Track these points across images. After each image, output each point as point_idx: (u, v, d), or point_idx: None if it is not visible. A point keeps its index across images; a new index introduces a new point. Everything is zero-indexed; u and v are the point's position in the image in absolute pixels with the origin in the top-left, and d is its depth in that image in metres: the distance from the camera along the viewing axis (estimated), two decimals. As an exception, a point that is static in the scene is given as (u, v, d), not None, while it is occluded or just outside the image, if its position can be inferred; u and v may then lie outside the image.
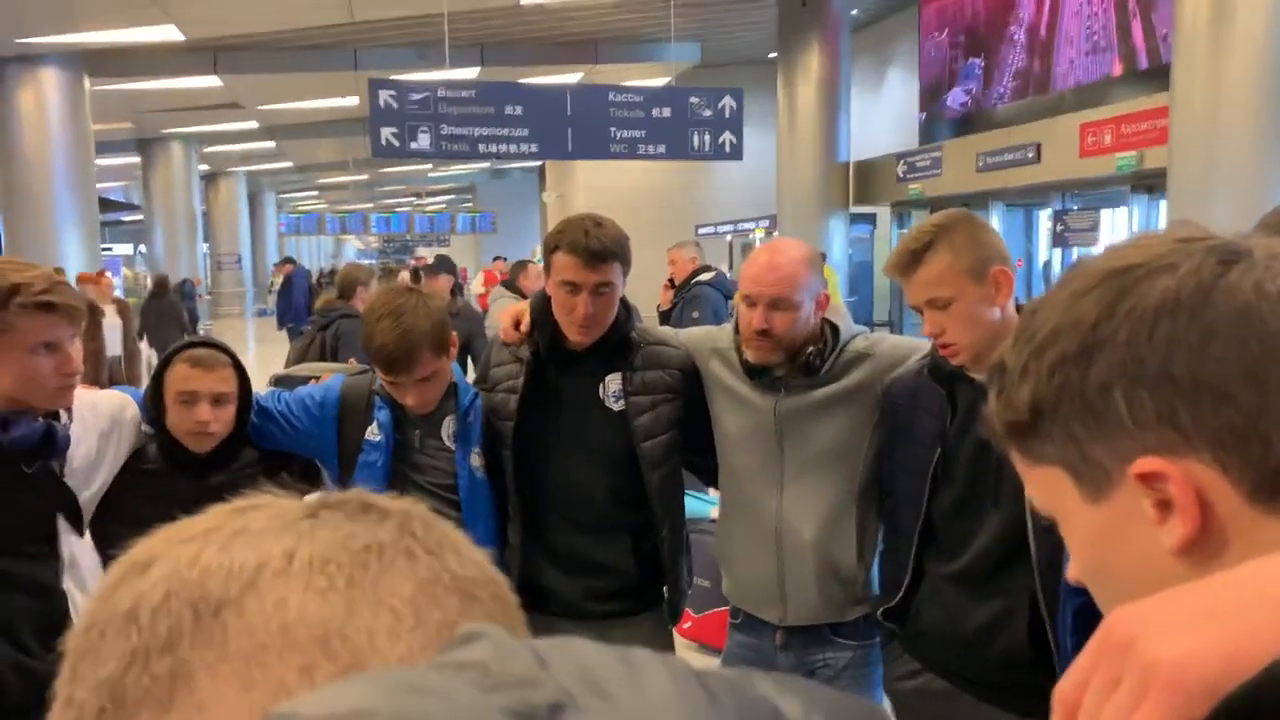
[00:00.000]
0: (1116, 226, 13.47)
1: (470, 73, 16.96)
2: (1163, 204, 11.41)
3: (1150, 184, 12.15)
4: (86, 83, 15.61)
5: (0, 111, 15.05)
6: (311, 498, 0.48)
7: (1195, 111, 9.11)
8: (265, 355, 16.87)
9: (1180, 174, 9.37)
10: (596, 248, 2.09)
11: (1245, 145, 8.75)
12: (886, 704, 2.16)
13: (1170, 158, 9.56)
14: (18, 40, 13.84)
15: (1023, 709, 1.83)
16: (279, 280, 22.12)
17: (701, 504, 4.07)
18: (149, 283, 22.91)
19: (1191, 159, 9.18)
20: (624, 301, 2.25)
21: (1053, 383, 0.63)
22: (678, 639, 2.88)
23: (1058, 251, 14.24)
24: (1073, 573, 0.68)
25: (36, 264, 1.83)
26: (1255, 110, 8.71)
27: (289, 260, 17.23)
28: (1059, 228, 13.02)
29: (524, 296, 6.15)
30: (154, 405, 2.08)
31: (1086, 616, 1.58)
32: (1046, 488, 0.66)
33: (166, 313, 11.59)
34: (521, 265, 6.17)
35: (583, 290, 2.10)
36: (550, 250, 2.17)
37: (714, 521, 4.08)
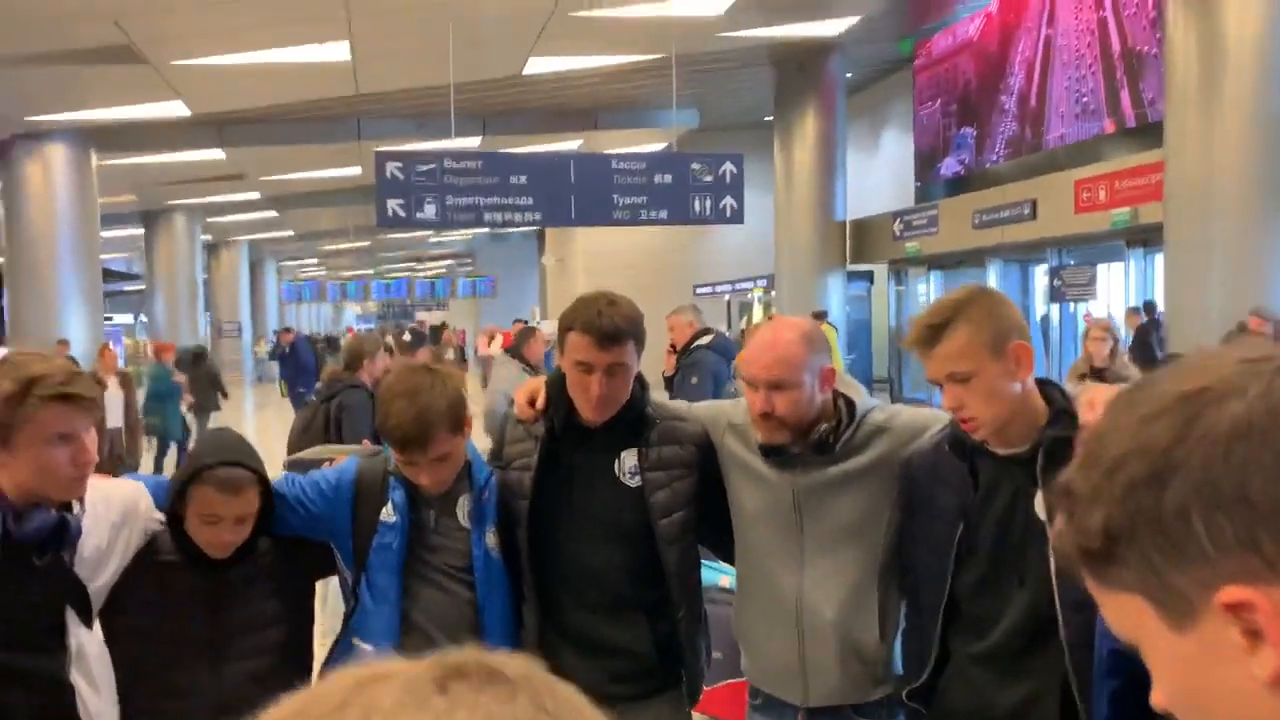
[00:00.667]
0: (1113, 281, 13.56)
1: (472, 142, 17.20)
2: (1158, 258, 11.50)
3: (1145, 238, 12.25)
4: (94, 158, 15.83)
5: (7, 187, 15.25)
6: (431, 663, 0.48)
7: (1188, 167, 9.22)
8: (265, 422, 16.85)
9: (1176, 228, 9.46)
10: (609, 328, 2.09)
11: (1238, 198, 8.84)
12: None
13: (1165, 213, 9.66)
14: (27, 118, 14.06)
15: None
16: (262, 349, 22.05)
17: (711, 572, 4.02)
18: (149, 351, 22.96)
19: (1186, 213, 9.28)
20: (638, 377, 2.25)
21: (1126, 508, 0.62)
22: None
23: (1055, 306, 14.32)
24: (1158, 700, 0.66)
25: (52, 356, 1.84)
26: (1247, 164, 8.82)
27: (288, 330, 17.36)
28: (1056, 283, 13.10)
29: (528, 364, 6.14)
30: (174, 506, 2.06)
31: (1126, 701, 1.55)
32: (1126, 615, 0.65)
33: (203, 379, 12.80)
34: (529, 332, 6.17)
35: (596, 370, 2.10)
36: (565, 329, 2.18)
37: (723, 590, 4.05)
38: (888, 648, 2.13)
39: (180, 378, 11.75)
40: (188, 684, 2.05)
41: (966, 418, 1.83)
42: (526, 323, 14.78)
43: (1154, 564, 0.61)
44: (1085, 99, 13.64)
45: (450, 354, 14.55)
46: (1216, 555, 0.59)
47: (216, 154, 16.98)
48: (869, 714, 2.15)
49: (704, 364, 5.88)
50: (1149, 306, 10.52)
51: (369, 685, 0.46)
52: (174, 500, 2.05)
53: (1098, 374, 6.11)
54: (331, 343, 21.81)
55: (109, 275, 26.24)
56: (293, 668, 2.17)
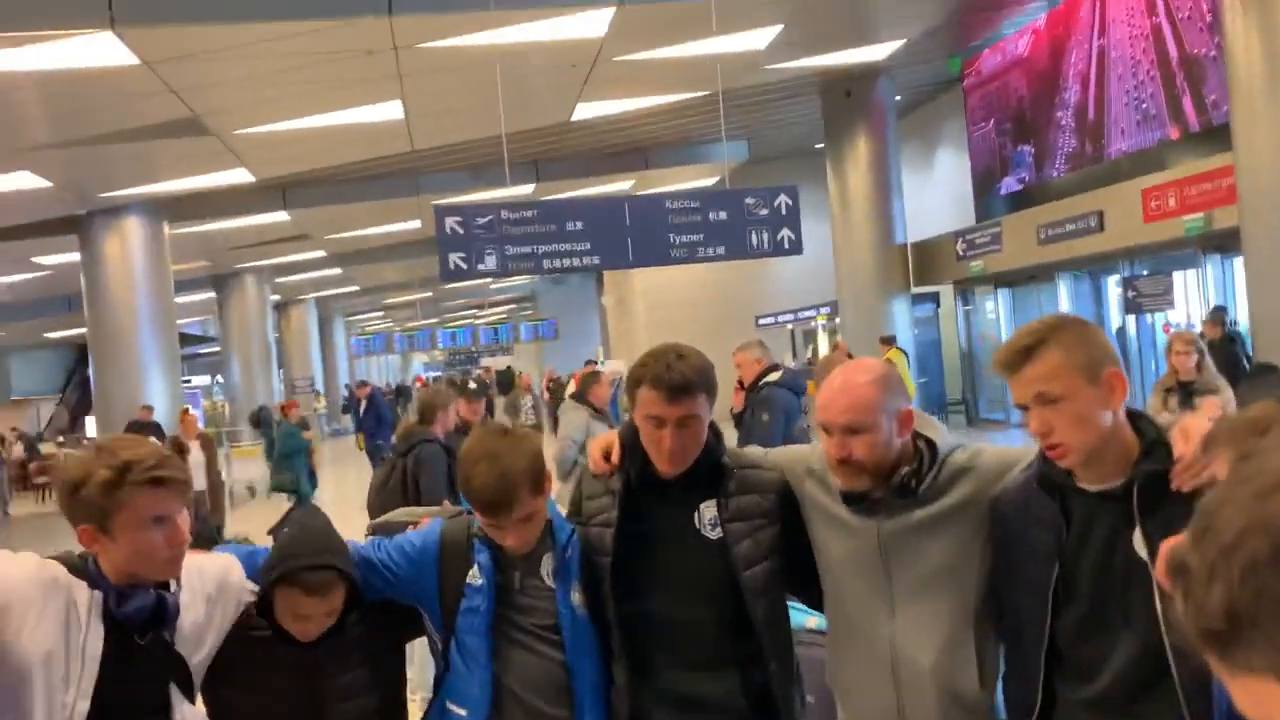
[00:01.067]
0: (1189, 289, 13.19)
1: (526, 189, 17.46)
2: (1237, 261, 11.17)
3: (1220, 244, 11.92)
4: (166, 228, 16.41)
5: (87, 260, 15.87)
6: None
7: (1259, 167, 8.97)
8: (340, 475, 17.15)
9: (1252, 231, 9.19)
10: (679, 381, 2.09)
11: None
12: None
13: (1240, 215, 9.39)
14: (102, 194, 14.65)
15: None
16: (322, 404, 22.02)
17: (797, 614, 3.95)
18: (226, 410, 23.50)
19: (1261, 215, 9.00)
20: (712, 426, 2.23)
21: (1248, 588, 0.60)
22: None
23: (1131, 318, 13.95)
24: None
25: (144, 439, 1.89)
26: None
27: (364, 383, 17.69)
28: (1130, 294, 12.77)
29: (594, 408, 6.14)
30: (264, 596, 2.09)
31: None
32: (1256, 698, 0.62)
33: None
34: (594, 377, 6.18)
35: (668, 424, 2.10)
36: (634, 384, 2.17)
37: (811, 631, 3.97)
38: (989, 694, 2.06)
39: (309, 434, 12.04)
40: None
41: (1054, 444, 1.77)
42: (594, 363, 14.84)
43: None
44: (1145, 106, 13.38)
45: (528, 400, 14.46)
46: None
47: (281, 216, 17.50)
48: (973, 762, 2.08)
49: (775, 401, 5.79)
50: (1219, 317, 10.18)
51: None
52: (263, 594, 2.08)
53: (1184, 387, 5.91)
54: (402, 393, 22.16)
55: (185, 340, 27.08)
56: None
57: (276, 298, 28.27)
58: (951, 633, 2.04)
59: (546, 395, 19.63)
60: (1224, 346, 9.33)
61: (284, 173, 14.95)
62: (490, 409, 26.69)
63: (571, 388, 7.29)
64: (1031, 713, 1.89)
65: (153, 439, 2.09)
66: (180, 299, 19.97)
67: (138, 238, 15.89)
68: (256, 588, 2.12)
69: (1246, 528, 0.61)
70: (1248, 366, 8.92)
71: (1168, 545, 0.68)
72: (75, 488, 1.80)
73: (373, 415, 15.45)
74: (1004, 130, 16.66)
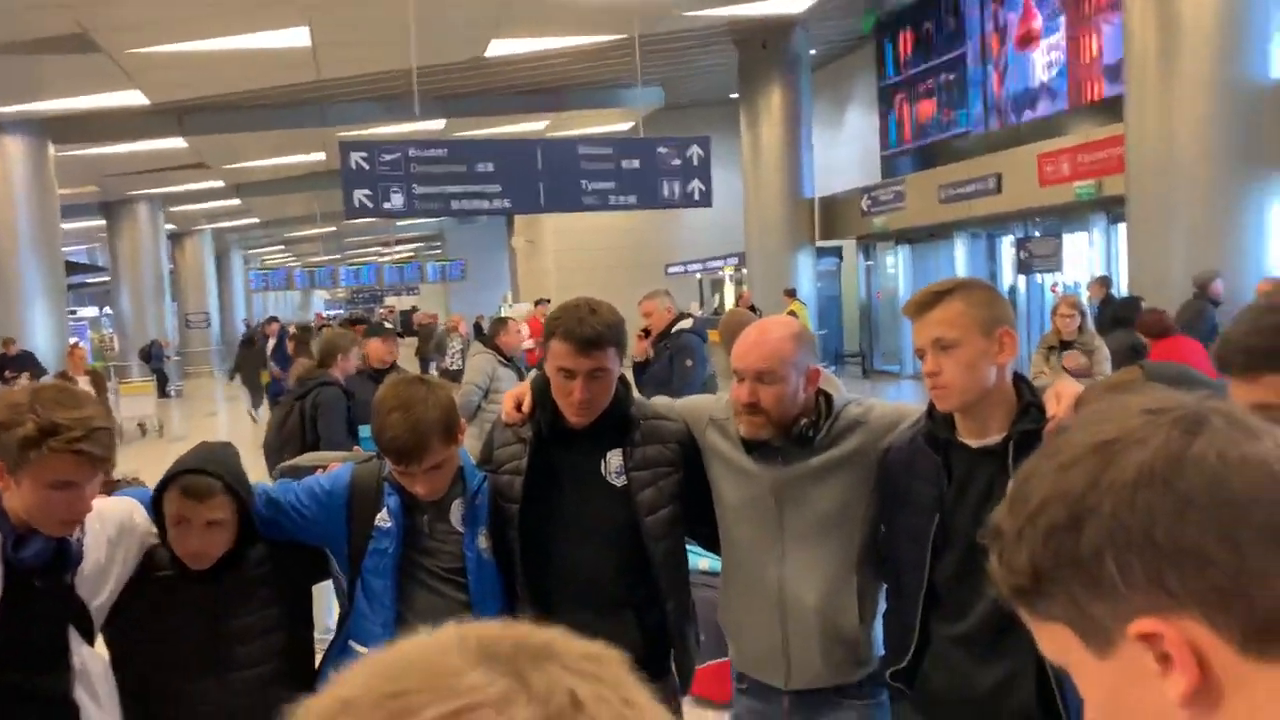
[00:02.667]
0: (1077, 250, 13.76)
1: (438, 124, 17.09)
2: (1122, 227, 11.69)
3: (1109, 209, 12.44)
4: (51, 149, 15.58)
5: (-38, 180, 14.99)
6: (506, 685, 0.47)
7: (1148, 138, 9.37)
8: (237, 414, 16.75)
9: (1138, 199, 9.62)
10: (590, 335, 2.16)
11: (1197, 168, 9.00)
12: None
13: (1127, 184, 9.82)
14: (-20, 110, 13.81)
15: (1034, 767, 1.89)
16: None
17: (692, 555, 4.10)
18: (114, 344, 22.59)
19: (1146, 184, 9.44)
20: (621, 378, 2.31)
21: (1048, 549, 0.69)
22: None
23: (1023, 278, 14.50)
24: (1089, 718, 0.73)
25: (88, 403, 1.85)
26: (1205, 134, 8.97)
27: (274, 319, 17.15)
28: (1023, 254, 13.26)
29: (501, 354, 6.14)
30: (157, 520, 2.10)
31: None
32: (1055, 642, 0.72)
33: (252, 359, 14.27)
34: (502, 323, 6.16)
35: (578, 375, 2.17)
36: (547, 336, 2.24)
37: (704, 573, 4.13)
38: (867, 631, 2.21)
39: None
40: (193, 694, 2.10)
41: (940, 385, 1.92)
42: (548, 302, 14.42)
43: (1076, 599, 0.68)
44: (1048, 74, 13.78)
45: (456, 343, 13.80)
46: (1128, 591, 0.66)
47: (177, 143, 16.77)
48: (851, 695, 2.23)
49: (694, 347, 5.97)
50: (1104, 281, 10.70)
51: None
52: (156, 507, 2.09)
53: (1066, 346, 6.25)
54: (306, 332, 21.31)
55: (72, 268, 25.86)
56: (297, 672, 2.22)
57: (171, 227, 27.16)
58: (836, 574, 2.18)
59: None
60: (1106, 308, 9.80)
61: (181, 97, 14.30)
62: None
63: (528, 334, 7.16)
64: (908, 648, 2.04)
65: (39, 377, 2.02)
66: (67, 225, 19.06)
67: (19, 157, 15.07)
68: (158, 531, 2.12)
69: (1048, 497, 0.69)
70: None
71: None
72: (1, 428, 1.78)
73: (281, 353, 15.07)
74: (913, 89, 16.96)
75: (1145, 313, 6.68)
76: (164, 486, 2.08)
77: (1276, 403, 1.26)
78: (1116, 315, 7.65)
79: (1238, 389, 1.30)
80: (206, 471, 2.08)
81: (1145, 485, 0.66)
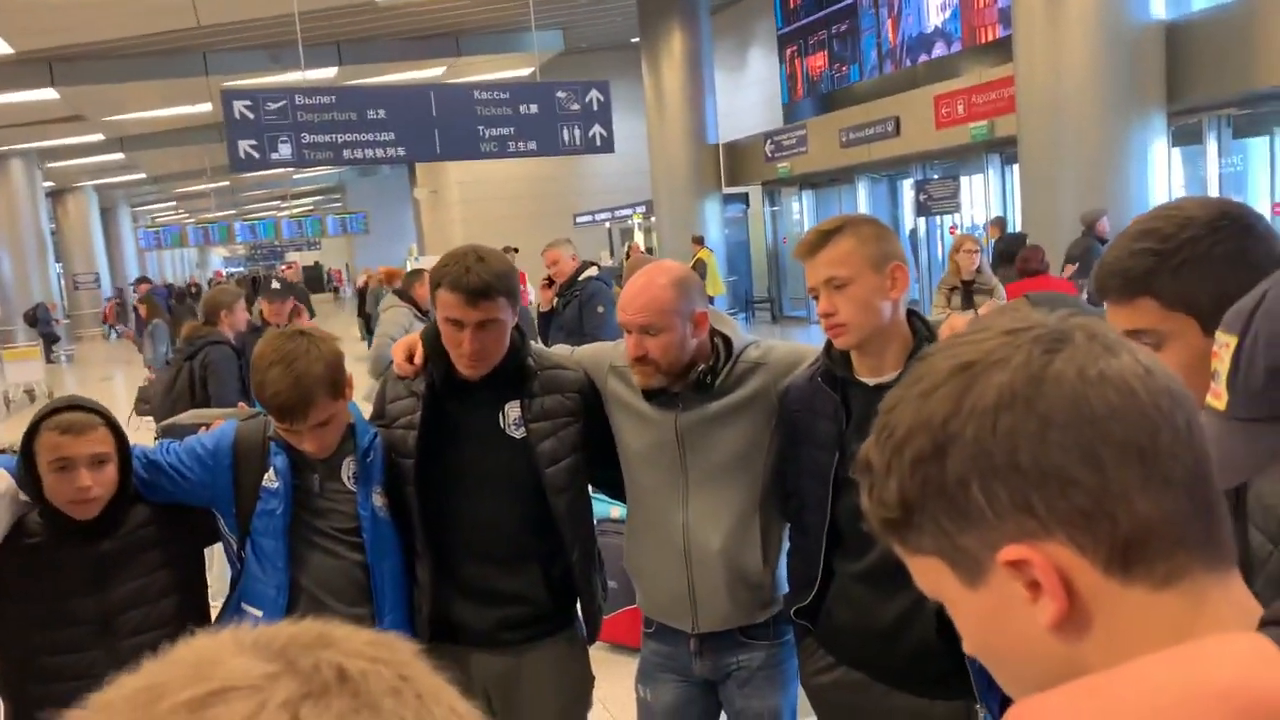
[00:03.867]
0: (974, 192, 14.08)
1: (328, 73, 16.47)
2: (1015, 168, 11.98)
3: (1002, 150, 12.73)
4: (-93, 103, 14.55)
5: None
6: (269, 669, 0.44)
7: (1037, 80, 9.58)
8: (132, 378, 16.13)
9: (1028, 139, 9.86)
10: (477, 284, 2.07)
11: (1084, 109, 9.25)
12: (803, 696, 2.24)
13: (1018, 125, 10.04)
14: None
15: (934, 695, 1.93)
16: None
17: (602, 505, 4.10)
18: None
19: (1037, 125, 9.67)
20: (518, 328, 2.24)
21: (915, 480, 0.67)
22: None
23: (923, 221, 14.80)
24: (967, 648, 0.72)
25: None
26: (1092, 75, 9.21)
27: (145, 279, 16.48)
28: (922, 197, 13.50)
29: (417, 306, 5.99)
30: (28, 474, 1.98)
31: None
32: (928, 575, 0.71)
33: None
34: (417, 275, 5.98)
35: (467, 326, 2.10)
36: (434, 286, 2.16)
37: (615, 521, 4.13)
38: (771, 572, 2.22)
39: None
40: (82, 664, 2.00)
41: (836, 324, 1.92)
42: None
43: (945, 529, 0.67)
44: (943, 14, 13.94)
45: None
46: (995, 519, 0.64)
47: (49, 93, 15.81)
48: (756, 635, 2.25)
49: (603, 293, 5.97)
50: (1000, 222, 11.00)
51: (208, 706, 0.43)
52: (26, 461, 1.96)
53: (966, 286, 6.38)
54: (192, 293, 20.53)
55: (-60, 230, 24.35)
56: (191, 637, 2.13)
57: (50, 184, 25.75)
58: (740, 516, 2.18)
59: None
60: (1001, 247, 10.07)
61: (50, 44, 13.46)
62: (310, 309, 25.40)
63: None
64: (812, 585, 2.06)
65: None
66: (-69, 184, 17.92)
67: (-128, 112, 14.03)
68: (28, 496, 2.00)
69: (913, 425, 0.67)
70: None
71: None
72: None
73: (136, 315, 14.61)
74: (812, 31, 16.99)
75: (1023, 249, 6.86)
76: (34, 432, 1.94)
77: (1150, 327, 1.27)
78: (1005, 251, 7.86)
79: (1114, 314, 1.31)
80: (81, 407, 1.98)
81: (1006, 408, 0.64)
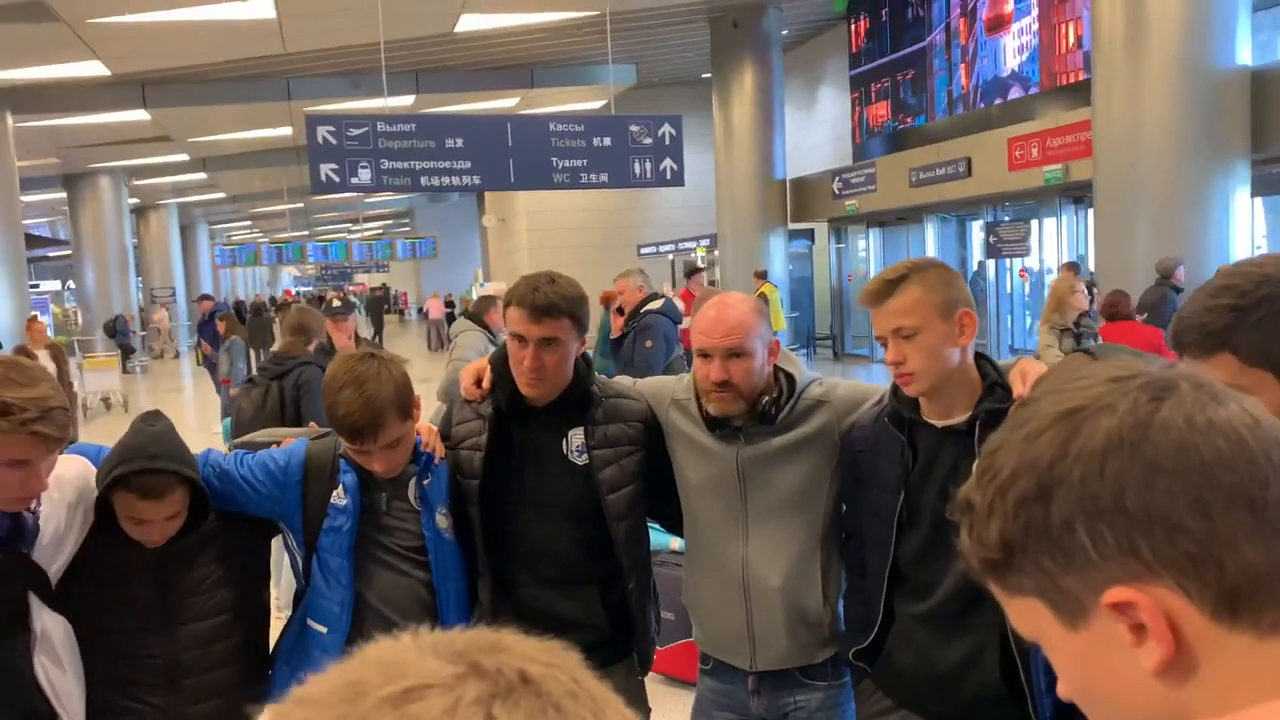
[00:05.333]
0: (1046, 236, 13.87)
1: (406, 100, 16.88)
2: (1090, 213, 11.78)
3: (1077, 194, 12.53)
4: (9, 120, 15.24)
5: (-82, 151, 14.64)
6: (456, 670, 0.47)
7: (1115, 124, 9.43)
8: (202, 391, 16.56)
9: (1105, 184, 9.69)
10: (542, 302, 2.13)
11: (1163, 155, 9.07)
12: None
13: (1094, 169, 9.88)
14: (-65, 79, 13.48)
15: (995, 743, 1.89)
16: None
17: (661, 536, 4.10)
18: (78, 318, 22.22)
19: (1114, 170, 9.50)
20: (583, 356, 2.27)
21: (1019, 521, 0.67)
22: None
23: (991, 262, 14.60)
24: (1062, 690, 0.72)
25: (41, 380, 1.77)
26: (1171, 119, 9.04)
27: (207, 297, 16.87)
28: (992, 239, 13.33)
29: (490, 331, 6.03)
30: (101, 504, 2.03)
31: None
32: (1027, 617, 0.71)
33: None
34: (489, 300, 6.02)
35: (529, 343, 2.14)
36: (506, 305, 2.21)
37: (674, 552, 4.12)
38: (831, 611, 2.20)
39: None
40: (142, 649, 2.06)
41: (905, 373, 1.90)
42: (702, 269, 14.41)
43: (1047, 570, 0.67)
44: (1018, 57, 13.82)
45: None
46: (1101, 560, 0.65)
47: (140, 115, 16.46)
48: (815, 675, 2.22)
49: (657, 328, 5.92)
50: (1073, 267, 10.79)
51: (409, 702, 0.46)
52: (100, 501, 2.02)
53: (1075, 326, 6.14)
54: (259, 311, 20.82)
55: (33, 241, 25.37)
56: (247, 627, 2.19)
57: (135, 201, 26.70)
58: (799, 554, 2.17)
59: None
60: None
61: (143, 68, 14.03)
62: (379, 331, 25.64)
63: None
64: (871, 627, 2.04)
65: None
66: (26, 197, 18.68)
67: (-23, 128, 14.72)
68: None
69: (1018, 467, 0.68)
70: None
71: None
72: None
73: (211, 328, 14.94)
74: (884, 71, 16.96)
75: (1108, 294, 6.70)
76: (114, 481, 1.97)
77: (1229, 383, 1.25)
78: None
79: (1192, 369, 1.30)
80: (159, 469, 1.98)
81: (1114, 452, 0.65)
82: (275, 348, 5.38)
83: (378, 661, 0.49)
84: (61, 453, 1.96)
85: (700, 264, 15.69)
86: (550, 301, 2.13)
